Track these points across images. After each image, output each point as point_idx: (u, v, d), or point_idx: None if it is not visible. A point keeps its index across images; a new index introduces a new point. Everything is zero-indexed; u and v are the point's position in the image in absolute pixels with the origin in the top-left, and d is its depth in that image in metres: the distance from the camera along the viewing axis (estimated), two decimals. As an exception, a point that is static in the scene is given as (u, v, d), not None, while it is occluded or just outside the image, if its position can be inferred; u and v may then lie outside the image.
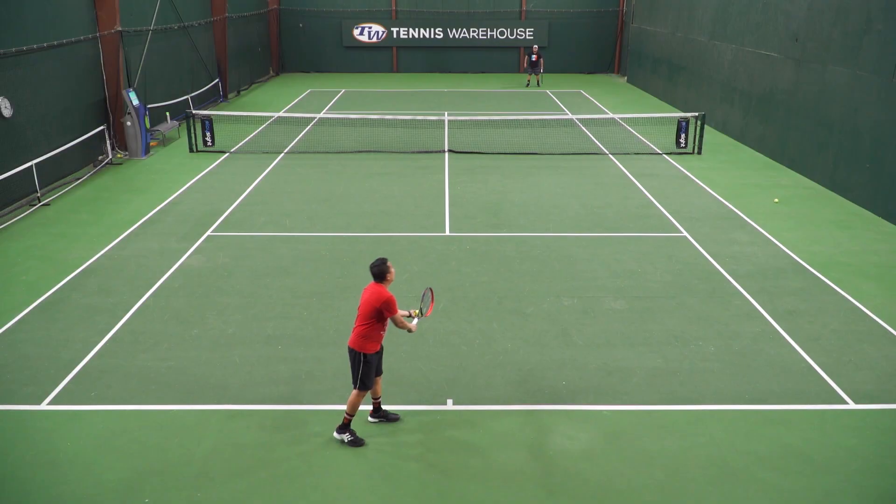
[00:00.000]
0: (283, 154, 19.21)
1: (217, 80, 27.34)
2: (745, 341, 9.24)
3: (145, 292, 10.59)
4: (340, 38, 36.85)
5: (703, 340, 9.25)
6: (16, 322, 9.68)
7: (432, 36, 36.96)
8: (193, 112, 19.84)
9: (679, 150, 19.77)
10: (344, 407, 7.29)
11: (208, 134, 19.46)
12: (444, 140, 20.90)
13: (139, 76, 19.98)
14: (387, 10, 36.61)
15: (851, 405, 7.87)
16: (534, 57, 32.26)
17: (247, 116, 23.63)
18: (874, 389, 8.15)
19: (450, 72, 37.51)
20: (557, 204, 14.92)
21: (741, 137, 21.03)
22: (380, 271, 6.95)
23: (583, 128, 22.95)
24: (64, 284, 10.88)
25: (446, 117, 23.41)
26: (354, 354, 6.98)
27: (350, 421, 7.17)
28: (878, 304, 10.29)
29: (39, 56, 15.53)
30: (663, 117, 22.89)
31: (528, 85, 32.76)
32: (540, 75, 32.71)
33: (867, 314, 10.01)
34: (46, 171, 15.59)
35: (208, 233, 13.13)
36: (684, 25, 26.14)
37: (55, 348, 8.98)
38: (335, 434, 7.21)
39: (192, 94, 24.29)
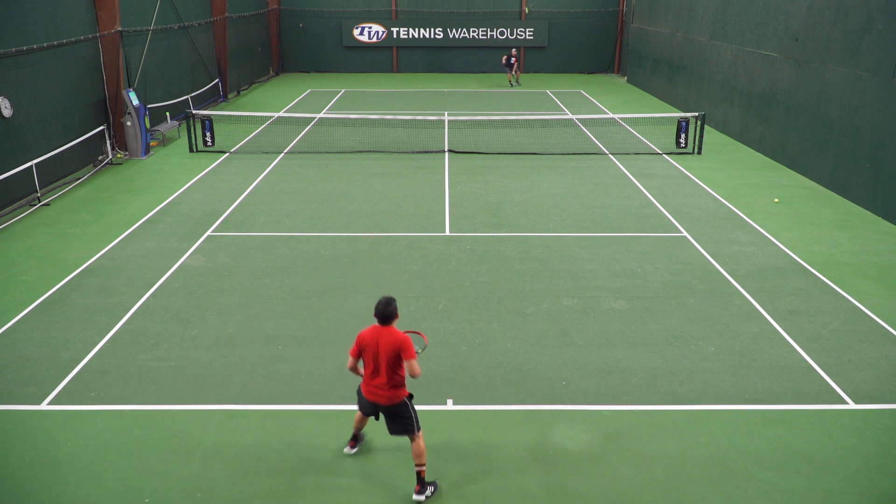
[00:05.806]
0: (283, 154, 19.20)
1: (217, 80, 27.34)
2: (745, 341, 9.24)
3: (145, 292, 10.59)
4: (340, 38, 36.84)
5: (703, 340, 9.26)
6: (16, 322, 9.68)
7: (432, 36, 36.95)
8: (193, 112, 19.83)
9: (679, 150, 19.77)
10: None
11: (208, 134, 19.46)
12: (444, 140, 20.90)
13: (139, 76, 19.99)
14: (387, 10, 36.61)
15: (851, 405, 7.87)
16: (512, 59, 32.92)
17: (247, 116, 23.62)
18: (874, 389, 8.16)
19: (450, 72, 37.51)
20: (557, 204, 14.92)
21: (741, 137, 21.03)
22: (389, 311, 6.18)
23: (583, 128, 22.94)
24: (64, 284, 10.88)
25: (446, 117, 23.41)
26: (402, 405, 6.35)
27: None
28: (878, 304, 10.29)
29: (39, 56, 15.53)
30: (663, 117, 22.88)
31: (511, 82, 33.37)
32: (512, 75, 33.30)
33: (867, 314, 10.01)
34: (46, 171, 15.59)
35: (208, 233, 13.13)
36: (684, 25, 26.14)
37: (55, 348, 8.98)
38: (416, 497, 6.32)
39: (192, 94, 24.30)
